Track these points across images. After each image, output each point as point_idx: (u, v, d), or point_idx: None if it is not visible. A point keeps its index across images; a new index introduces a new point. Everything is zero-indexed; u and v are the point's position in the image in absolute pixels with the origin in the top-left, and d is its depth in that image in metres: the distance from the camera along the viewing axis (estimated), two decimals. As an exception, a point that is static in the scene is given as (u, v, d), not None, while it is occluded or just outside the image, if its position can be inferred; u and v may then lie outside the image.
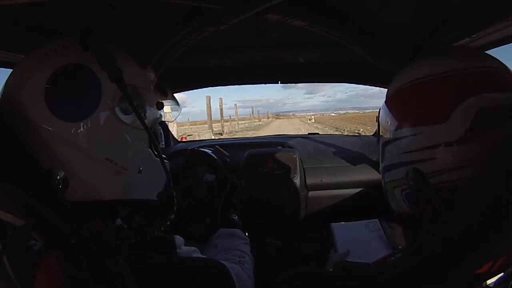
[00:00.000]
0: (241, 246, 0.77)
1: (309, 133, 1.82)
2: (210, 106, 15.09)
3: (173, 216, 0.62)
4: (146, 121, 0.51)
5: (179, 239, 0.55)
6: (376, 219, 0.85)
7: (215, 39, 0.79)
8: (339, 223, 0.89)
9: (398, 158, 0.47)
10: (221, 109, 19.03)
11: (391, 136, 0.49)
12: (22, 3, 0.49)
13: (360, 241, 0.82)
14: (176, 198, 0.64)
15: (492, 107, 0.39)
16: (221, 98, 19.20)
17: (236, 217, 0.95)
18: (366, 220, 0.86)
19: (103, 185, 0.47)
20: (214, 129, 16.08)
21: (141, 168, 0.51)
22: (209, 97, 15.17)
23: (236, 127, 24.34)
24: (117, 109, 0.47)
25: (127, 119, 0.48)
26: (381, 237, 0.82)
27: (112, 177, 0.48)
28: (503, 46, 0.76)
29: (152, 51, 0.82)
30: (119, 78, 0.46)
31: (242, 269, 0.66)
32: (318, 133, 1.82)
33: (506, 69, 0.44)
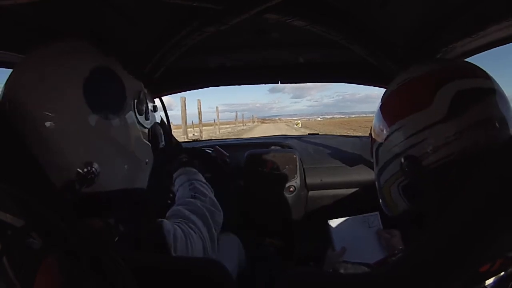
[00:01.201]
0: (190, 176, 0.76)
1: (309, 133, 1.82)
2: (186, 109, 13.35)
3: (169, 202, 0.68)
4: (149, 121, 0.57)
5: (167, 224, 0.55)
6: (377, 212, 0.85)
7: (215, 39, 0.79)
8: (336, 219, 0.88)
9: (391, 153, 0.51)
10: (200, 113, 17.46)
11: (383, 137, 0.53)
12: (22, 3, 0.49)
13: (357, 238, 0.82)
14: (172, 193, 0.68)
15: (468, 89, 0.46)
16: (199, 100, 17.17)
17: (262, 230, 0.94)
18: (366, 214, 0.86)
19: (125, 174, 0.52)
20: (195, 134, 15.20)
21: (147, 160, 0.57)
22: (184, 98, 13.43)
23: (218, 132, 21.40)
24: (134, 109, 0.54)
25: (140, 118, 0.55)
26: (379, 233, 0.82)
27: (132, 168, 0.53)
28: (503, 46, 0.76)
29: (152, 51, 0.82)
30: (149, 82, 0.56)
31: (193, 196, 0.66)
32: (318, 133, 1.82)
33: (473, 65, 0.52)
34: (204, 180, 0.77)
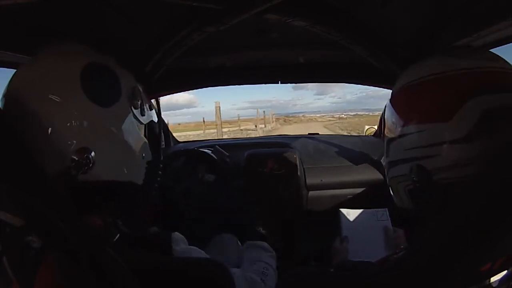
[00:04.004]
0: (266, 258, 0.76)
1: (309, 133, 1.82)
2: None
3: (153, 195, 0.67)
4: (145, 117, 0.59)
5: (178, 235, 0.56)
6: (386, 208, 0.85)
7: (215, 39, 0.79)
8: (347, 209, 0.89)
9: (402, 154, 0.48)
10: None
11: (396, 133, 0.49)
12: (22, 3, 0.49)
13: (365, 228, 0.83)
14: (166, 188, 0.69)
15: (497, 107, 0.39)
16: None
17: (262, 230, 1.00)
18: (376, 209, 0.87)
19: (121, 166, 0.53)
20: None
21: (144, 155, 0.58)
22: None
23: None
24: (130, 103, 0.56)
25: (136, 111, 0.56)
26: (386, 228, 0.83)
27: (128, 160, 0.55)
28: (503, 46, 0.76)
29: (152, 51, 0.82)
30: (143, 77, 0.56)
31: (262, 280, 0.66)
32: (318, 133, 1.82)
33: (509, 68, 0.44)
34: (273, 265, 0.77)
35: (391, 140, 0.51)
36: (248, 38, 0.94)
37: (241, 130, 20.01)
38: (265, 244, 0.81)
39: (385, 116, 0.53)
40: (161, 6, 0.65)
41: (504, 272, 0.33)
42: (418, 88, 0.47)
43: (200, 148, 1.33)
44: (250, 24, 0.78)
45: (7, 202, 0.32)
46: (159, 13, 0.72)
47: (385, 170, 0.55)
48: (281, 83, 1.36)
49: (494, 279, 0.33)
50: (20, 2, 0.48)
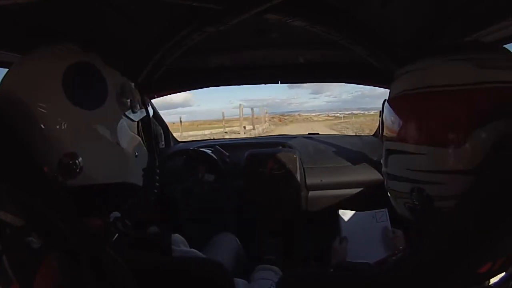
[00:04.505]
0: (274, 278, 0.75)
1: (309, 133, 1.82)
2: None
3: (153, 197, 0.68)
4: (137, 114, 0.58)
5: (178, 237, 0.56)
6: (385, 209, 0.85)
7: (215, 39, 0.79)
8: (346, 211, 0.89)
9: (404, 172, 0.44)
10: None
11: (397, 145, 0.45)
12: (22, 3, 0.49)
13: (364, 230, 0.83)
14: (164, 186, 0.69)
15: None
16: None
17: (262, 230, 1.08)
18: (375, 210, 0.87)
19: (113, 168, 0.53)
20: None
21: (136, 153, 0.57)
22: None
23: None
24: (119, 102, 0.54)
25: (125, 110, 0.55)
26: (385, 229, 0.83)
27: (119, 160, 0.54)
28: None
29: (152, 51, 0.82)
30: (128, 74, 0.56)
31: None
32: (318, 133, 1.82)
33: None
34: None
35: (391, 151, 0.46)
36: (248, 38, 0.94)
37: (226, 132, 16.47)
38: (275, 268, 0.81)
39: (384, 118, 0.49)
40: (161, 6, 0.65)
41: (504, 273, 0.33)
42: (423, 99, 0.40)
43: (200, 148, 1.33)
44: (250, 24, 0.78)
45: (7, 202, 0.32)
46: (159, 13, 0.72)
47: (384, 178, 0.51)
48: (281, 83, 1.36)
49: (494, 279, 0.33)
50: (20, 2, 0.48)
